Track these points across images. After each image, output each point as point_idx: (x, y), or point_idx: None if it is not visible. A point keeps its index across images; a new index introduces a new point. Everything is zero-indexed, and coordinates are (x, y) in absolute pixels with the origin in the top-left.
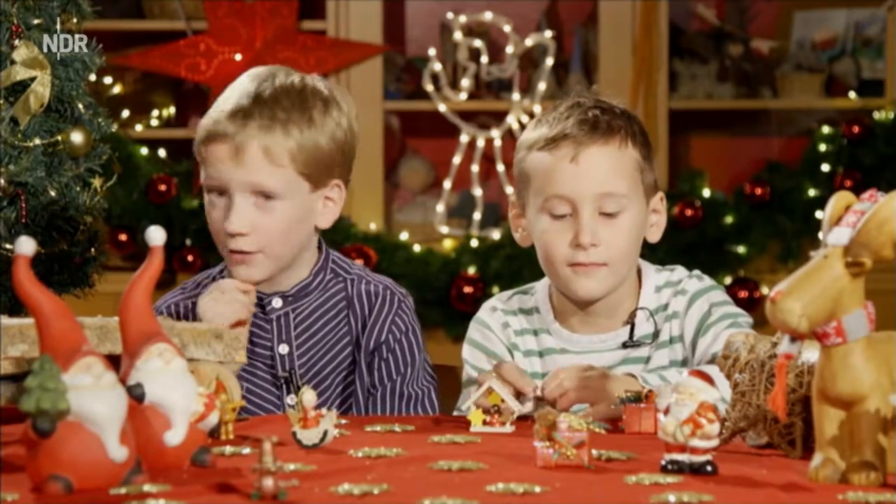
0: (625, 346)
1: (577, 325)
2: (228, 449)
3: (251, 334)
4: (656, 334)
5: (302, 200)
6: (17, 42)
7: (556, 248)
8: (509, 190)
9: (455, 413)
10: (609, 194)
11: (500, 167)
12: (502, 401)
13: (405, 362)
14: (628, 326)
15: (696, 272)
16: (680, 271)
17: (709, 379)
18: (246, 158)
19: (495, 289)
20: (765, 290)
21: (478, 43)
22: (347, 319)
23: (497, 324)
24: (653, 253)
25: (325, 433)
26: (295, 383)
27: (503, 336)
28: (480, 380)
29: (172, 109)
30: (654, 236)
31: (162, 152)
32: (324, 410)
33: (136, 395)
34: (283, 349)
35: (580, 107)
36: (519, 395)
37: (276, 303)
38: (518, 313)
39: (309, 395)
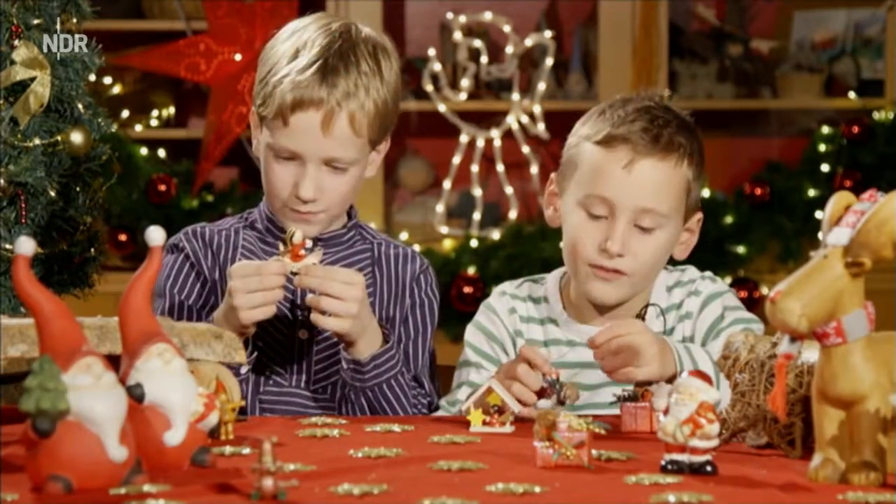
0: None
1: (587, 317)
2: (228, 449)
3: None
4: (666, 332)
5: (365, 162)
6: (17, 42)
7: (585, 246)
8: (509, 190)
9: (442, 401)
10: (649, 210)
11: (500, 167)
12: (502, 401)
13: (423, 324)
14: None
15: (709, 273)
16: (692, 271)
17: (709, 379)
18: (334, 131)
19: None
20: (765, 290)
21: (477, 43)
22: (373, 275)
23: (504, 309)
24: None
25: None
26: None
27: (509, 322)
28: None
29: (172, 109)
30: (682, 254)
31: (162, 152)
32: (308, 243)
33: (135, 395)
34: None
35: (649, 113)
36: (540, 396)
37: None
38: (527, 300)
39: (298, 234)
